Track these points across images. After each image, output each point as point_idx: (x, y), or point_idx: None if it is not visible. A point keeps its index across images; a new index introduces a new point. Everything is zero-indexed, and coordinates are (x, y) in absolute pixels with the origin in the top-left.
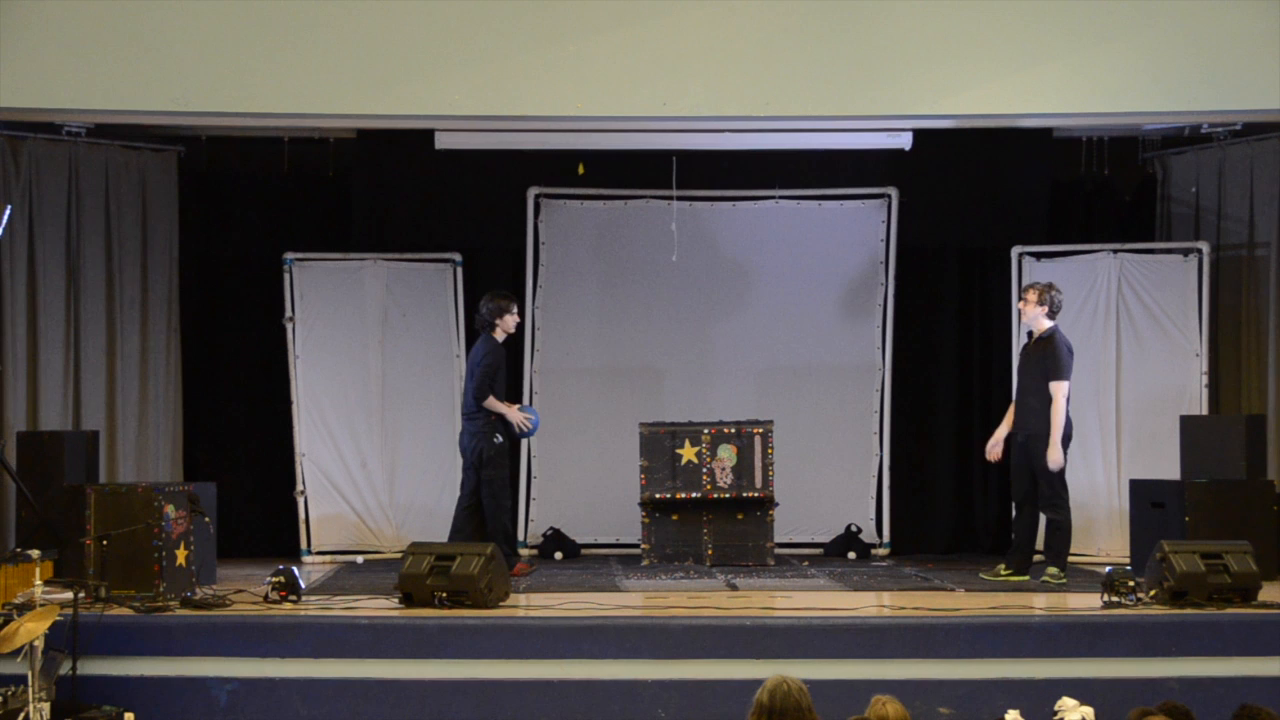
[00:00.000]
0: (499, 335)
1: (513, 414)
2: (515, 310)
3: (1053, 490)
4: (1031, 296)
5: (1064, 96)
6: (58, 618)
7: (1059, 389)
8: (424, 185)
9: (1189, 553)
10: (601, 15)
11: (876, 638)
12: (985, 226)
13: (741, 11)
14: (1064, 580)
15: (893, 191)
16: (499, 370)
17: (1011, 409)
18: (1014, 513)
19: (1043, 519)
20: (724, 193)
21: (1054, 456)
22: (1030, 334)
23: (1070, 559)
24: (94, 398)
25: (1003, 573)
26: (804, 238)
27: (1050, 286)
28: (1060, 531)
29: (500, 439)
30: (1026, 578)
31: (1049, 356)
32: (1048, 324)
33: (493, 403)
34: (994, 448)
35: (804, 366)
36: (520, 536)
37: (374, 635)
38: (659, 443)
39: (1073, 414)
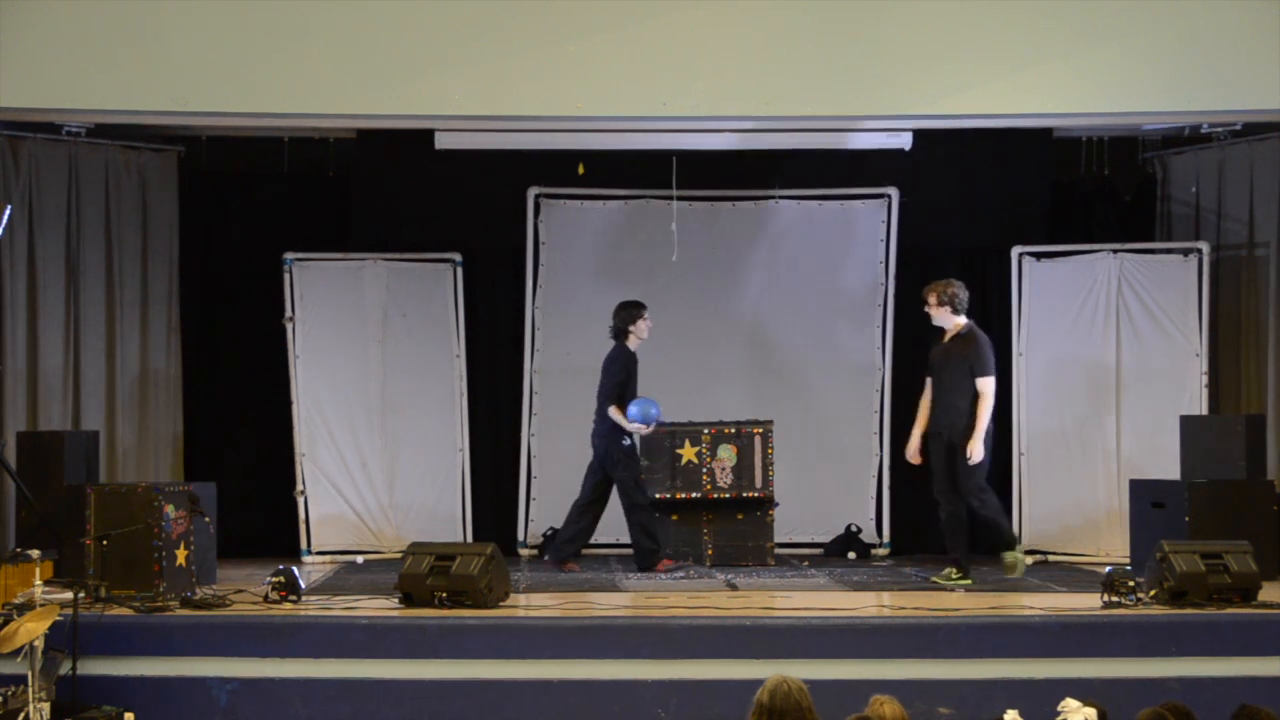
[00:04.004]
0: (632, 343)
1: (631, 427)
2: (646, 316)
3: (974, 482)
4: (931, 298)
5: (1064, 96)
6: (58, 618)
7: (987, 385)
8: (424, 185)
9: (1189, 553)
10: (601, 15)
11: (876, 638)
12: (985, 226)
13: (741, 11)
14: (969, 581)
15: (893, 191)
16: (630, 379)
17: (924, 409)
18: (941, 514)
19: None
20: (724, 193)
21: (975, 448)
22: (943, 332)
23: (1070, 559)
24: (94, 398)
25: (954, 576)
26: (804, 238)
27: (949, 283)
28: (969, 521)
29: (628, 441)
30: (970, 581)
31: (973, 354)
32: (961, 320)
33: (614, 413)
34: (914, 454)
35: (804, 366)
36: (520, 536)
37: (374, 635)
38: (659, 443)
39: (1072, 413)
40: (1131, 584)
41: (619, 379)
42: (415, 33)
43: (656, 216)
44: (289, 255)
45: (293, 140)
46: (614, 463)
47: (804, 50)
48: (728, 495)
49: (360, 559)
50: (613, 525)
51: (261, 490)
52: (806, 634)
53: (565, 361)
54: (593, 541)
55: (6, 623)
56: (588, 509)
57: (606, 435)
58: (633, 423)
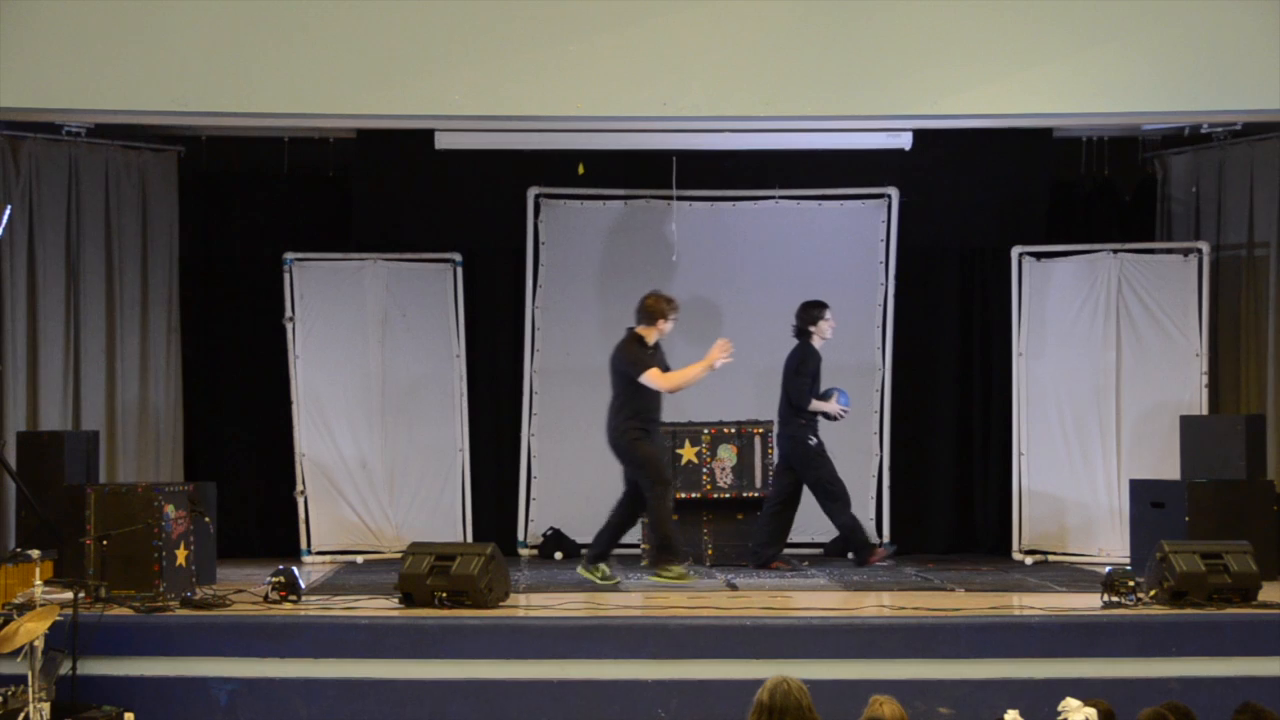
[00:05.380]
0: (816, 341)
1: (831, 408)
2: (828, 315)
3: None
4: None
5: (1064, 96)
6: (58, 618)
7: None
8: (424, 185)
9: (1189, 553)
10: (601, 15)
11: (876, 638)
12: (985, 226)
13: (741, 11)
14: (614, 580)
15: (893, 191)
16: (815, 376)
17: None
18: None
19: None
20: (724, 193)
21: None
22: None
23: (1070, 559)
24: (94, 398)
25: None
26: (804, 238)
27: None
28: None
29: (814, 440)
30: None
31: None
32: None
33: (817, 405)
34: None
35: None
36: (520, 536)
37: (374, 635)
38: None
39: (1072, 413)
40: (1131, 584)
41: (805, 381)
42: (415, 33)
43: (656, 216)
44: (289, 255)
45: (293, 140)
46: (804, 464)
47: (804, 50)
48: (728, 495)
49: (360, 559)
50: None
51: (261, 490)
52: (806, 634)
53: (565, 361)
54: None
55: (6, 623)
56: (781, 508)
57: (793, 436)
58: (843, 406)
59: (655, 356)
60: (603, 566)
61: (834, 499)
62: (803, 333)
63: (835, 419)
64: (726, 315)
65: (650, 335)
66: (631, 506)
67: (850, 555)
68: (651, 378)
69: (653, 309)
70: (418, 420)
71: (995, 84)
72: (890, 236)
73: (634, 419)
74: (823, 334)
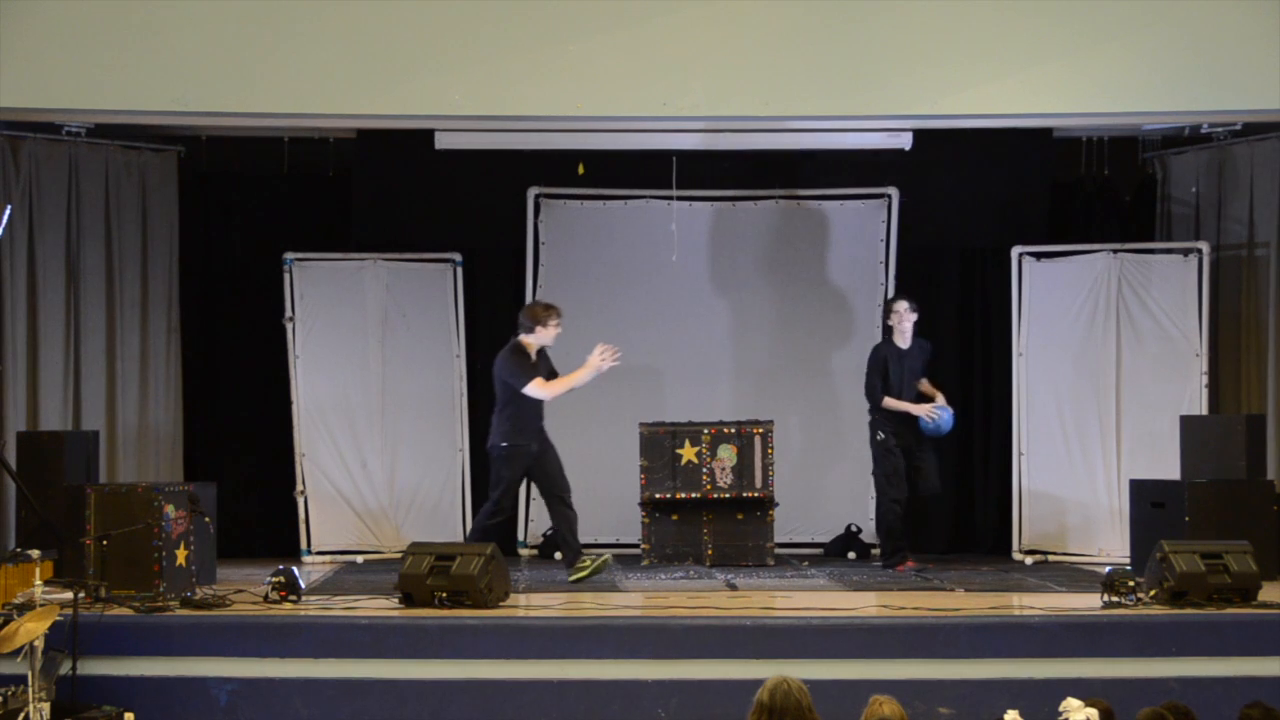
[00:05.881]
0: (899, 341)
1: (921, 410)
2: (897, 308)
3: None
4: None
5: (1064, 96)
6: (58, 618)
7: None
8: (424, 185)
9: (1189, 553)
10: (601, 15)
11: (876, 638)
12: (985, 226)
13: (742, 11)
14: (604, 559)
15: (893, 191)
16: (884, 371)
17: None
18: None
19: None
20: (724, 193)
21: None
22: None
23: (1070, 559)
24: (94, 398)
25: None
26: (804, 238)
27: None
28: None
29: (882, 435)
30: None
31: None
32: None
33: (890, 403)
34: None
35: (804, 366)
36: (520, 536)
37: (374, 635)
38: (659, 443)
39: (1072, 413)
40: (1131, 584)
41: (874, 376)
42: (415, 33)
43: (656, 216)
44: (289, 255)
45: (293, 140)
46: (874, 458)
47: (804, 50)
48: (728, 495)
49: (360, 559)
50: (613, 525)
51: (261, 490)
52: (806, 634)
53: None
54: (593, 541)
55: (6, 623)
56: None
57: (869, 427)
58: (930, 407)
59: (538, 366)
60: (585, 559)
61: (882, 498)
62: (885, 330)
63: (928, 425)
64: (726, 315)
65: (531, 345)
66: (559, 507)
67: (880, 563)
68: (536, 387)
69: (531, 317)
70: (418, 420)
71: (995, 84)
72: (890, 236)
73: (513, 429)
74: (899, 326)
